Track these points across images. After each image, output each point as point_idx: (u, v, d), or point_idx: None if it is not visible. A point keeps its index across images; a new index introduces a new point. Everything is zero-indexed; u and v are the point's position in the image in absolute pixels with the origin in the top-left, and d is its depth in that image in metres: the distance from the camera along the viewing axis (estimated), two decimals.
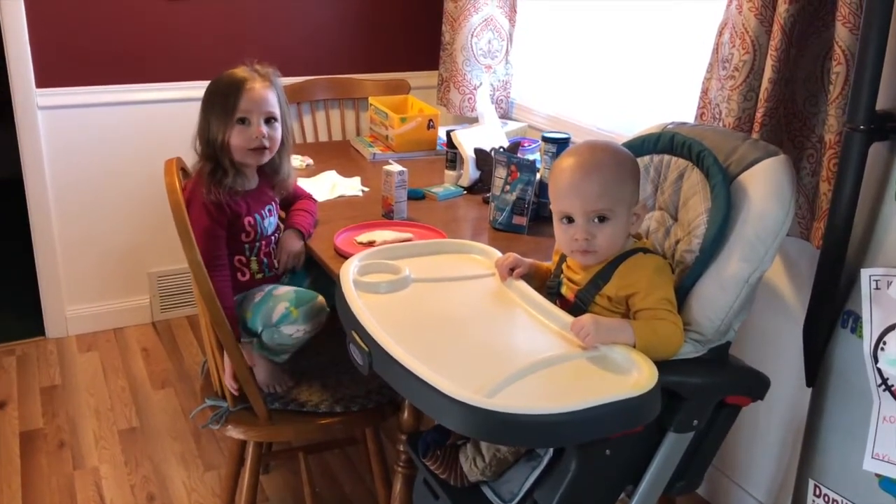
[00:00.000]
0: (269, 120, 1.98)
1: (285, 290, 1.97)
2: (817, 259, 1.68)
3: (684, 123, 1.79)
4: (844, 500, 1.59)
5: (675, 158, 1.67)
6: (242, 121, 1.94)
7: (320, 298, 1.97)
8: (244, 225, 1.99)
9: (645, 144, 1.70)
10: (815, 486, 1.66)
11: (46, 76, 2.94)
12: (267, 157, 2.01)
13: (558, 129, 2.69)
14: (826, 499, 1.63)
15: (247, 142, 1.95)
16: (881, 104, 1.54)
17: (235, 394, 1.92)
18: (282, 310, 1.91)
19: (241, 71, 1.98)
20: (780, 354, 2.10)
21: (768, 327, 2.14)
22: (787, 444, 2.16)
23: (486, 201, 2.40)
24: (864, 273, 1.49)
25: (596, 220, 1.51)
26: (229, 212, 1.94)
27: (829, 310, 1.62)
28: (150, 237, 3.26)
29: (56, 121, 2.99)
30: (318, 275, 2.18)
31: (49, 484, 2.42)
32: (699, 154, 1.59)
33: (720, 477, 2.36)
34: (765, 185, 1.51)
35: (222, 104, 1.93)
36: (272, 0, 3.20)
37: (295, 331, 1.92)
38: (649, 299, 1.48)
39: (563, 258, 1.66)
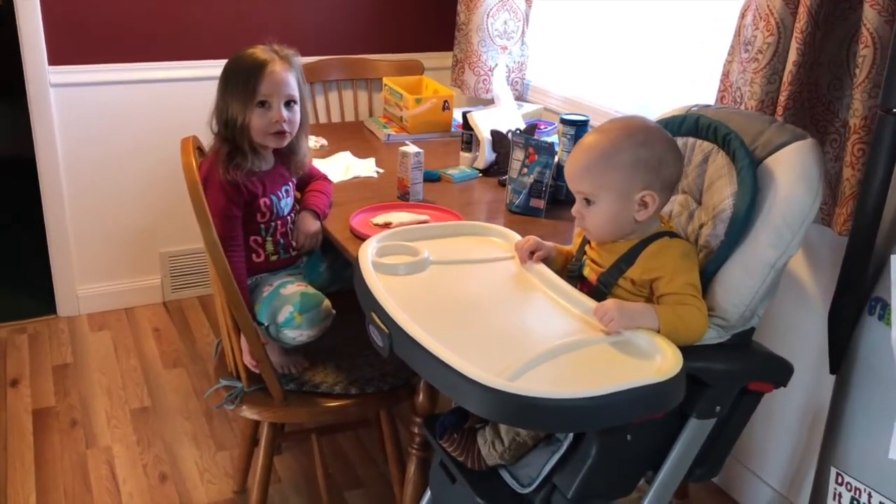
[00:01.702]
0: (289, 103, 1.95)
1: (293, 291, 1.93)
2: (838, 245, 1.65)
3: (708, 106, 1.76)
4: (867, 489, 1.58)
5: (699, 141, 1.64)
6: (263, 104, 1.92)
7: (326, 303, 1.93)
8: (260, 206, 1.97)
9: (669, 127, 1.67)
10: (838, 473, 1.64)
11: (59, 53, 2.91)
12: (286, 141, 1.98)
13: (574, 111, 2.66)
14: (848, 487, 1.62)
15: (267, 125, 1.93)
16: None
17: (255, 370, 1.91)
18: (286, 313, 1.88)
19: (261, 52, 1.94)
20: (797, 341, 2.08)
21: (785, 313, 2.12)
22: (804, 432, 2.14)
23: (502, 184, 2.38)
24: (894, 259, 1.47)
25: (585, 202, 1.53)
26: (246, 192, 1.93)
27: (856, 296, 1.60)
28: (163, 217, 3.25)
29: (68, 98, 2.98)
30: (334, 259, 2.16)
31: (62, 462, 2.42)
32: (725, 137, 1.57)
33: (734, 464, 2.34)
34: (792, 169, 1.48)
35: (243, 86, 1.90)
36: None
37: (298, 335, 1.89)
38: (674, 284, 1.46)
39: (585, 240, 1.64)
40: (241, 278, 1.88)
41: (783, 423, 2.20)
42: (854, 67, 1.73)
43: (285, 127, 1.94)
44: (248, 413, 1.96)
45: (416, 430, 1.87)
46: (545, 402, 1.24)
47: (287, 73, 1.94)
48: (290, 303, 1.89)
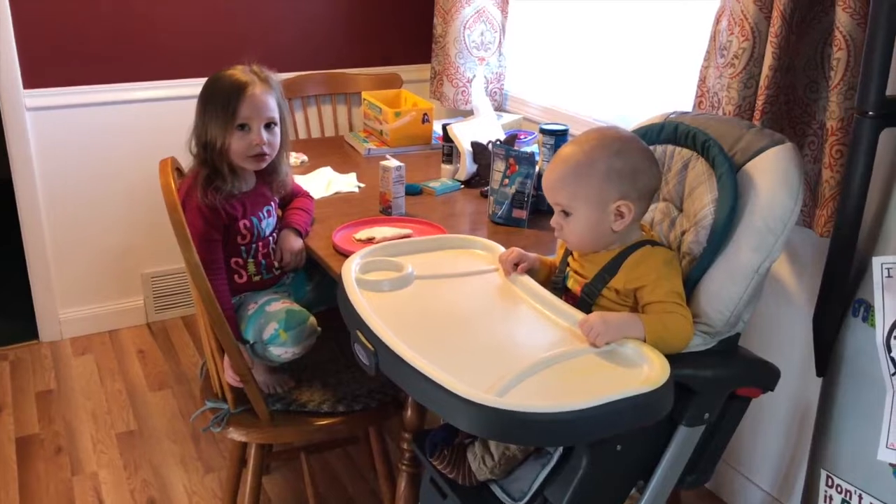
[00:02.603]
0: (269, 125, 1.93)
1: (278, 308, 1.91)
2: (820, 246, 1.65)
3: (686, 113, 1.76)
4: (857, 491, 1.58)
5: (678, 148, 1.64)
6: (242, 126, 1.90)
7: (312, 320, 1.92)
8: (240, 228, 1.95)
9: (647, 135, 1.67)
10: (828, 476, 1.64)
11: (34, 77, 2.89)
12: (266, 163, 1.97)
13: (553, 121, 2.67)
14: (839, 489, 1.62)
15: (247, 148, 1.91)
16: (891, 90, 1.52)
17: (238, 385, 1.89)
18: (271, 330, 1.87)
19: (240, 73, 1.92)
20: (782, 343, 2.09)
21: (770, 317, 2.12)
22: (793, 435, 2.15)
23: (484, 195, 2.38)
24: (876, 261, 1.47)
25: (563, 213, 1.53)
26: (225, 216, 1.91)
27: (840, 298, 1.60)
28: (143, 238, 3.22)
29: (45, 122, 2.95)
30: (321, 278, 2.14)
31: (47, 490, 2.39)
32: (704, 143, 1.57)
33: (725, 467, 2.34)
34: (772, 173, 1.49)
35: (222, 109, 1.88)
36: None
37: (283, 352, 1.88)
38: (658, 292, 1.46)
39: (568, 251, 1.64)
40: (224, 301, 1.86)
41: (772, 425, 2.20)
42: (829, 70, 1.74)
43: (265, 149, 1.93)
44: (235, 435, 1.94)
45: (405, 445, 1.85)
46: (534, 416, 1.23)
47: (267, 95, 1.92)
48: (276, 319, 1.88)
